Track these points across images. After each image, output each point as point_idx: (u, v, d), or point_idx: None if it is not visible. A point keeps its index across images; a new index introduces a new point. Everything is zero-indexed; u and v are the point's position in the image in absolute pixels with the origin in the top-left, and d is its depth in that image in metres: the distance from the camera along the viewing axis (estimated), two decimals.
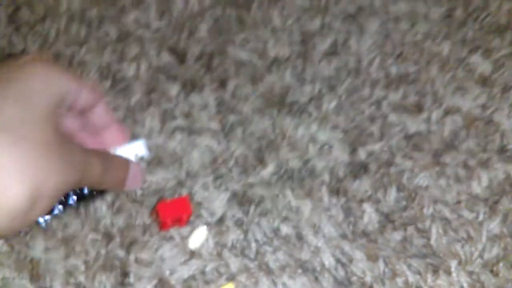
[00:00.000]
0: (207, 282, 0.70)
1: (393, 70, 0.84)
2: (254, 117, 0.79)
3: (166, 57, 0.83)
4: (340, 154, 0.78)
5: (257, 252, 0.72)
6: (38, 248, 0.70)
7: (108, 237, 0.71)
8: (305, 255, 0.73)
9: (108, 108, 0.66)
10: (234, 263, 0.72)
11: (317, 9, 0.88)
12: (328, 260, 0.73)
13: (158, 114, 0.79)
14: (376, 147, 0.79)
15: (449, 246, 0.74)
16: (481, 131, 0.81)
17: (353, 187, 0.76)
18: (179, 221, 0.71)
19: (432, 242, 0.74)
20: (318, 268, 0.72)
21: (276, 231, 0.73)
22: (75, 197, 0.70)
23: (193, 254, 0.71)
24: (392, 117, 0.81)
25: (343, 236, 0.74)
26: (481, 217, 0.76)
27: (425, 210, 0.76)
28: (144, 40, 0.84)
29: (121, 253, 0.71)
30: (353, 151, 0.79)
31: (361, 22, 0.87)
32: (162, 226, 0.71)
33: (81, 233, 0.71)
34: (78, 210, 0.70)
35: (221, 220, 0.73)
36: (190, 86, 0.81)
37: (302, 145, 0.78)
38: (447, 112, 0.82)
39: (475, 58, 0.86)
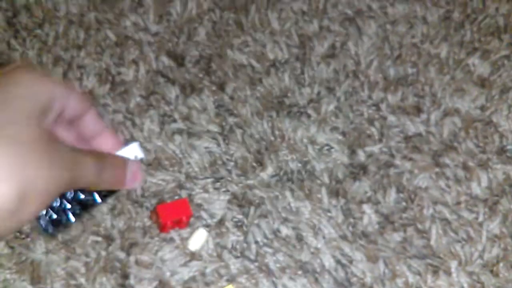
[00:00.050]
0: (207, 284, 0.70)
1: (392, 72, 0.84)
2: (253, 119, 0.79)
3: (165, 61, 0.83)
4: (340, 156, 0.78)
5: (257, 254, 0.72)
6: (38, 250, 0.70)
7: (108, 239, 0.71)
8: (305, 256, 0.73)
9: (99, 115, 0.66)
10: (234, 265, 0.72)
11: (315, 12, 0.88)
12: (328, 261, 0.73)
13: (157, 117, 0.79)
14: (376, 148, 0.79)
15: (449, 247, 0.74)
16: (480, 132, 0.81)
17: (353, 189, 0.76)
18: (179, 223, 0.71)
19: (432, 242, 0.74)
20: (318, 269, 0.72)
21: (276, 232, 0.73)
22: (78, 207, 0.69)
23: (193, 255, 0.71)
24: (391, 119, 0.81)
25: (343, 237, 0.74)
26: (481, 218, 0.76)
27: (425, 211, 0.76)
28: (142, 43, 0.84)
29: (121, 255, 0.71)
30: (353, 152, 0.79)
31: (359, 24, 0.87)
32: (162, 228, 0.71)
33: (81, 235, 0.71)
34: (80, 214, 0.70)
35: (221, 222, 0.73)
36: (189, 89, 0.81)
37: (301, 147, 0.78)
38: (446, 114, 0.82)
39: (474, 60, 0.86)
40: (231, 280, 0.71)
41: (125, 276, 0.70)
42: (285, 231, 0.74)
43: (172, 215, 0.70)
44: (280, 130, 0.79)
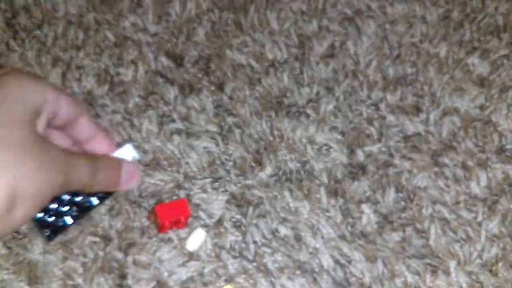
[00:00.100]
0: (205, 284, 0.70)
1: (391, 71, 0.84)
2: (252, 119, 0.79)
3: (164, 61, 0.83)
4: (338, 156, 0.78)
5: (256, 254, 0.72)
6: (36, 250, 0.70)
7: (106, 239, 0.71)
8: (303, 256, 0.72)
9: (92, 119, 0.66)
10: (233, 265, 0.71)
11: (314, 12, 0.88)
12: (326, 261, 0.72)
13: (156, 117, 0.79)
14: (375, 148, 0.79)
15: (448, 247, 0.74)
16: (479, 131, 0.81)
17: (352, 188, 0.76)
18: (177, 223, 0.71)
19: (431, 242, 0.74)
20: (317, 269, 0.72)
21: (274, 232, 0.73)
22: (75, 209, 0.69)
23: (191, 255, 0.71)
24: (390, 119, 0.81)
25: (342, 237, 0.74)
26: (480, 217, 0.76)
27: (424, 211, 0.76)
28: (141, 44, 0.84)
29: (119, 255, 0.71)
30: (351, 152, 0.79)
31: (358, 24, 0.87)
32: (160, 228, 0.71)
33: (79, 236, 0.71)
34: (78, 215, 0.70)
35: (219, 222, 0.73)
36: (188, 89, 0.81)
37: (300, 147, 0.78)
38: (445, 113, 0.82)
39: (473, 59, 0.86)
40: (229, 280, 0.71)
41: (123, 277, 0.70)
42: (283, 231, 0.73)
43: (170, 215, 0.70)
44: (279, 130, 0.79)
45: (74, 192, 0.66)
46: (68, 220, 0.68)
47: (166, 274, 0.70)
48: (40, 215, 0.67)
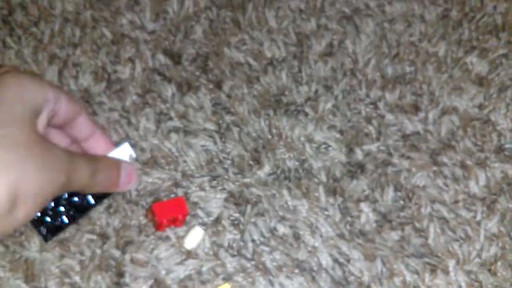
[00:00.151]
0: (203, 282, 0.70)
1: (390, 70, 0.84)
2: (250, 117, 0.79)
3: (161, 59, 0.82)
4: (337, 154, 0.78)
5: (254, 252, 0.72)
6: (33, 248, 0.70)
7: (103, 237, 0.71)
8: (302, 255, 0.72)
9: (90, 117, 0.66)
10: (231, 263, 0.71)
11: (313, 11, 0.87)
12: (325, 260, 0.72)
13: (153, 115, 0.78)
14: (373, 147, 0.79)
15: (447, 246, 0.74)
16: (478, 130, 0.81)
17: (350, 187, 0.76)
18: (175, 221, 0.71)
19: (430, 241, 0.74)
20: (315, 268, 0.72)
21: (273, 231, 0.73)
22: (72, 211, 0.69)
23: (189, 254, 0.71)
24: (389, 117, 0.80)
25: (341, 236, 0.73)
26: (479, 217, 0.76)
27: (422, 210, 0.75)
28: (139, 41, 0.83)
29: (116, 253, 0.70)
30: (350, 151, 0.78)
31: (357, 23, 0.87)
32: (158, 226, 0.70)
33: (76, 234, 0.71)
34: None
35: (217, 220, 0.73)
36: (186, 87, 0.80)
37: (298, 145, 0.78)
38: (444, 112, 0.81)
39: (472, 58, 0.86)
40: (227, 278, 0.70)
41: (120, 275, 0.69)
42: (282, 229, 0.73)
43: (168, 214, 0.69)
44: (277, 128, 0.79)
45: (72, 192, 0.65)
46: (66, 220, 0.67)
47: (163, 272, 0.70)
48: (38, 214, 0.66)
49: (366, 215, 0.75)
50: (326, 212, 0.74)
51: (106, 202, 0.72)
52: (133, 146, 0.71)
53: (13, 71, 0.56)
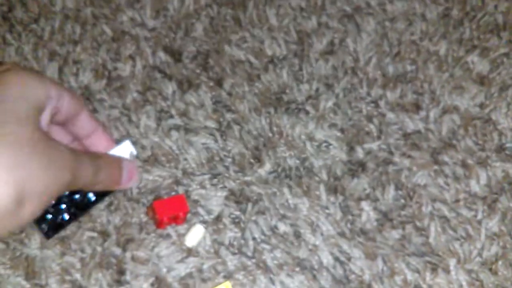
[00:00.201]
0: (204, 280, 0.70)
1: (391, 69, 0.84)
2: (251, 115, 0.79)
3: (162, 56, 0.82)
4: (338, 153, 0.78)
5: (255, 250, 0.72)
6: (33, 245, 0.69)
7: (104, 234, 0.71)
8: (303, 253, 0.72)
9: (91, 114, 0.65)
10: (232, 261, 0.71)
11: (314, 9, 0.87)
12: (326, 258, 0.72)
13: (154, 113, 0.78)
14: (374, 145, 0.78)
15: (447, 245, 0.74)
16: (479, 129, 0.81)
17: (351, 186, 0.76)
18: (175, 219, 0.71)
19: (431, 240, 0.74)
20: (316, 266, 0.72)
21: (273, 229, 0.73)
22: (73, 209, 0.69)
23: (190, 252, 0.71)
24: (390, 116, 0.80)
25: (341, 235, 0.73)
26: (479, 216, 0.76)
27: (423, 209, 0.75)
28: (139, 39, 0.83)
29: (117, 250, 0.70)
30: (351, 149, 0.78)
31: (358, 21, 0.87)
32: (159, 224, 0.70)
33: (77, 231, 0.70)
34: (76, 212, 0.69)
35: (218, 218, 0.73)
36: (186, 85, 0.80)
37: (299, 144, 0.78)
38: (445, 111, 0.81)
39: (473, 58, 0.86)
40: (228, 276, 0.70)
41: (121, 272, 0.69)
42: (282, 227, 0.73)
43: (168, 211, 0.69)
44: (278, 126, 0.78)
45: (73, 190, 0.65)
46: (67, 217, 0.67)
47: (164, 270, 0.70)
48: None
49: (367, 214, 0.74)
50: (327, 211, 0.74)
51: (107, 199, 0.72)
52: (133, 143, 0.71)
53: (15, 68, 0.56)
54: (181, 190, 0.74)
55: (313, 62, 0.83)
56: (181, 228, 0.72)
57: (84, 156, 0.59)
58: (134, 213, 0.72)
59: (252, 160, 0.76)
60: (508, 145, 0.80)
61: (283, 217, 0.73)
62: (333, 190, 0.75)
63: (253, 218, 0.73)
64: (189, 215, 0.72)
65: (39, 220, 0.66)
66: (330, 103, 0.80)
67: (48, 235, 0.67)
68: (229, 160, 0.76)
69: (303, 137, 0.78)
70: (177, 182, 0.74)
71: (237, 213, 0.73)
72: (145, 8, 0.85)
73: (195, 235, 0.71)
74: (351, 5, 0.88)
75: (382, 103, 0.81)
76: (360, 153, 0.78)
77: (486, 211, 0.76)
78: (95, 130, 0.66)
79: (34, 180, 0.51)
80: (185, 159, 0.76)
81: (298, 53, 0.84)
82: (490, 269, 0.73)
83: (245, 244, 0.72)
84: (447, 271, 0.72)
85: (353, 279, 0.71)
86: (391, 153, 0.78)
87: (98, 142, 0.67)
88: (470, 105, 0.82)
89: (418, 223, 0.74)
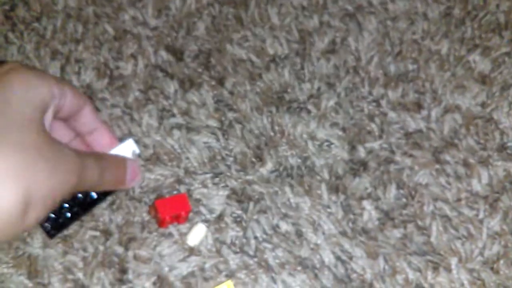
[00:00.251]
0: (206, 279, 0.70)
1: (392, 68, 0.84)
2: (253, 114, 0.79)
3: (164, 55, 0.82)
4: (340, 152, 0.78)
5: (257, 249, 0.72)
6: (36, 244, 0.70)
7: (106, 233, 0.71)
8: (304, 252, 0.72)
9: (94, 111, 0.65)
10: (233, 260, 0.71)
11: (315, 8, 0.87)
12: (328, 257, 0.72)
13: (156, 112, 0.78)
14: (376, 144, 0.79)
15: (449, 244, 0.74)
16: (480, 129, 0.81)
17: (353, 185, 0.76)
18: (177, 218, 0.71)
19: (432, 239, 0.74)
20: (318, 265, 0.72)
21: (275, 228, 0.73)
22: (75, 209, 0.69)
23: (192, 251, 0.71)
24: (392, 115, 0.80)
25: (343, 234, 0.73)
26: (481, 215, 0.76)
27: (425, 208, 0.75)
28: (141, 38, 0.83)
29: (119, 249, 0.70)
30: (353, 148, 0.78)
31: (359, 20, 0.87)
32: (161, 223, 0.70)
33: (79, 230, 0.71)
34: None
35: (220, 217, 0.73)
36: (188, 84, 0.80)
37: (301, 143, 0.78)
38: (446, 110, 0.81)
39: (474, 57, 0.86)
40: (230, 275, 0.70)
41: (123, 271, 0.69)
42: (284, 226, 0.73)
43: (170, 210, 0.69)
44: (280, 125, 0.78)
45: None
46: (69, 216, 0.67)
47: (166, 269, 0.70)
48: None
49: (369, 213, 0.75)
50: (328, 210, 0.74)
51: (109, 198, 0.72)
52: (136, 142, 0.71)
53: (18, 68, 0.55)
54: (183, 189, 0.74)
55: (314, 61, 0.83)
56: (183, 227, 0.72)
57: (89, 158, 0.59)
58: (136, 212, 0.72)
59: (254, 159, 0.76)
60: (509, 144, 0.80)
61: (284, 216, 0.74)
62: (334, 189, 0.75)
63: (255, 217, 0.73)
64: (191, 214, 0.72)
65: (42, 219, 0.66)
66: (331, 102, 0.80)
67: (50, 234, 0.67)
68: (231, 159, 0.76)
69: (304, 136, 0.78)
70: (179, 181, 0.74)
71: (239, 212, 0.73)
72: (147, 7, 0.85)
73: (197, 234, 0.71)
74: (352, 4, 0.88)
75: (383, 102, 0.81)
76: (361, 152, 0.78)
77: (488, 210, 0.76)
78: (98, 127, 0.66)
79: (39, 185, 0.51)
80: (187, 158, 0.76)
81: (299, 52, 0.84)
82: (492, 268, 0.73)
83: (247, 243, 0.72)
84: (448, 270, 0.72)
85: (354, 278, 0.71)
86: (392, 152, 0.78)
87: (100, 139, 0.67)
88: (472, 104, 0.82)
89: (419, 222, 0.74)
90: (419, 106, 0.81)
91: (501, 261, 0.73)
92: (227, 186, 0.75)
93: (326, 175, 0.76)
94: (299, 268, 0.71)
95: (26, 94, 0.53)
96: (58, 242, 0.70)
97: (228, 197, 0.74)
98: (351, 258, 0.72)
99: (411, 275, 0.72)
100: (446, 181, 0.77)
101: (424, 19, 0.88)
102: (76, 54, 0.81)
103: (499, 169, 0.78)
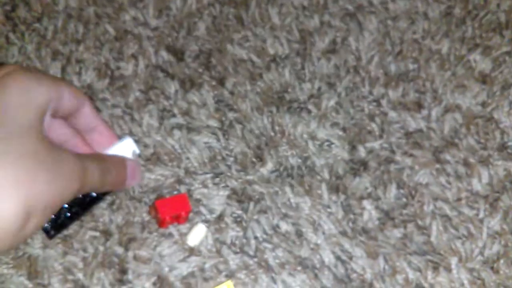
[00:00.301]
0: (206, 279, 0.70)
1: (393, 67, 0.84)
2: (253, 114, 0.79)
3: (164, 55, 0.82)
4: (340, 152, 0.78)
5: (257, 249, 0.72)
6: (36, 245, 0.70)
7: (106, 234, 0.71)
8: (304, 252, 0.72)
9: (94, 109, 0.65)
10: (233, 260, 0.71)
11: (316, 8, 0.87)
12: (328, 257, 0.72)
13: (156, 112, 0.78)
14: (376, 144, 0.79)
15: (449, 243, 0.74)
16: (481, 128, 0.81)
17: (353, 185, 0.76)
18: (178, 218, 0.71)
19: (433, 239, 0.74)
20: (318, 265, 0.72)
21: (275, 228, 0.73)
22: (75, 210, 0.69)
23: (192, 251, 0.71)
24: (392, 115, 0.80)
25: (343, 233, 0.73)
26: (481, 214, 0.76)
27: (425, 207, 0.75)
28: (142, 38, 0.83)
29: (119, 250, 0.70)
30: (353, 148, 0.78)
31: (360, 20, 0.87)
32: (161, 223, 0.70)
33: (79, 230, 0.71)
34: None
35: (220, 217, 0.73)
36: (189, 84, 0.80)
37: (301, 143, 0.78)
38: (447, 110, 0.81)
39: (475, 56, 0.85)
40: (230, 275, 0.71)
41: (123, 271, 0.69)
42: (284, 226, 0.73)
43: (171, 210, 0.69)
44: (280, 125, 0.79)
45: None
46: (69, 216, 0.67)
47: (166, 269, 0.70)
48: None
49: (369, 213, 0.75)
50: (328, 210, 0.74)
51: (109, 198, 0.72)
52: (136, 142, 0.71)
53: (15, 72, 0.54)
54: (183, 189, 0.74)
55: (315, 61, 0.83)
56: (183, 227, 0.72)
57: (90, 161, 0.58)
58: (136, 212, 0.72)
59: (254, 159, 0.77)
60: (510, 143, 0.80)
61: (285, 216, 0.74)
62: (335, 189, 0.76)
63: (255, 217, 0.73)
64: (191, 214, 0.72)
65: (46, 223, 0.66)
66: (332, 102, 0.80)
67: (50, 234, 0.68)
68: (231, 159, 0.76)
69: (305, 136, 0.78)
70: (179, 181, 0.75)
71: (239, 212, 0.73)
72: (147, 7, 0.85)
73: (197, 234, 0.71)
74: (353, 4, 0.88)
75: (384, 102, 0.81)
76: (362, 152, 0.78)
77: (488, 209, 0.76)
78: (97, 126, 0.66)
79: (40, 195, 0.50)
80: (188, 158, 0.76)
81: (300, 52, 0.84)
82: (492, 268, 0.73)
83: (247, 243, 0.72)
84: (448, 270, 0.72)
85: (354, 278, 0.71)
86: (393, 152, 0.78)
87: (100, 137, 0.66)
88: (472, 103, 0.82)
89: (419, 222, 0.74)
90: (419, 106, 0.81)
91: (501, 261, 0.73)
92: (227, 186, 0.75)
93: (326, 175, 0.76)
94: (299, 268, 0.71)
95: (23, 101, 0.53)
96: (58, 243, 0.70)
97: (228, 197, 0.74)
98: (351, 258, 0.72)
99: (411, 275, 0.72)
100: (446, 180, 0.77)
101: (425, 19, 0.88)
102: (77, 55, 0.81)
103: (500, 168, 0.78)
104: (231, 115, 0.79)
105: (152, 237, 0.71)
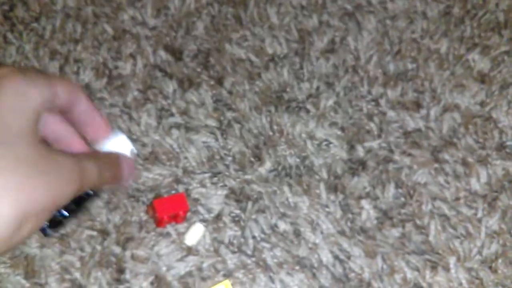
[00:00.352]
0: (203, 279, 0.70)
1: (391, 67, 0.84)
2: (252, 114, 0.79)
3: (163, 55, 0.82)
4: (338, 151, 0.78)
5: (255, 249, 0.72)
6: (33, 244, 0.70)
7: (104, 233, 0.71)
8: (302, 251, 0.72)
9: (89, 101, 0.64)
10: (231, 260, 0.71)
11: (315, 7, 0.87)
12: (326, 256, 0.72)
13: (154, 111, 0.78)
14: (375, 144, 0.78)
15: (447, 243, 0.74)
16: (479, 128, 0.81)
17: (351, 184, 0.76)
18: (175, 218, 0.71)
19: (431, 238, 0.74)
20: (316, 265, 0.72)
21: (273, 227, 0.73)
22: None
23: (190, 250, 0.71)
24: (391, 114, 0.80)
25: (341, 233, 0.73)
26: (480, 214, 0.76)
27: (423, 207, 0.75)
28: (140, 37, 0.83)
29: (117, 249, 0.70)
30: (351, 148, 0.78)
31: (358, 19, 0.87)
32: (159, 222, 0.70)
33: (76, 230, 0.71)
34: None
35: (218, 217, 0.73)
36: (187, 84, 0.80)
37: (300, 142, 0.78)
38: (445, 109, 0.81)
39: (474, 56, 0.85)
40: (228, 275, 0.70)
41: (121, 271, 0.69)
42: (282, 226, 0.73)
43: (169, 210, 0.69)
44: (279, 125, 0.78)
45: None
46: (66, 213, 0.67)
47: (164, 268, 0.70)
48: None
49: (367, 212, 0.74)
50: (327, 209, 0.74)
51: (106, 197, 0.72)
52: (134, 141, 0.71)
53: (10, 74, 0.54)
54: (181, 188, 0.74)
55: (313, 61, 0.83)
56: (181, 226, 0.72)
57: (88, 160, 0.58)
58: (134, 211, 0.72)
59: (252, 159, 0.76)
60: (508, 143, 0.80)
61: (283, 216, 0.74)
62: (333, 188, 0.75)
63: (253, 216, 0.73)
64: (189, 214, 0.72)
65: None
66: (330, 102, 0.80)
67: (46, 232, 0.67)
68: (230, 158, 0.76)
69: (303, 135, 0.78)
70: (178, 181, 0.74)
71: (237, 211, 0.73)
72: (146, 7, 0.85)
73: (195, 233, 0.71)
74: (352, 3, 0.88)
75: (382, 101, 0.81)
76: (360, 151, 0.78)
77: (486, 209, 0.76)
78: (92, 119, 0.65)
79: (35, 201, 0.50)
80: (186, 158, 0.76)
81: (299, 51, 0.84)
82: (490, 267, 0.73)
83: (245, 242, 0.72)
84: (447, 269, 0.72)
85: (352, 277, 0.71)
86: (391, 151, 0.78)
87: (95, 131, 0.66)
88: (471, 103, 0.82)
89: (418, 221, 0.74)
90: (418, 105, 0.81)
91: (500, 260, 0.73)
92: (225, 185, 0.75)
93: (324, 175, 0.76)
94: (297, 267, 0.71)
95: (19, 105, 0.52)
96: (55, 242, 0.70)
97: (226, 196, 0.74)
98: (349, 257, 0.72)
99: (409, 274, 0.72)
100: (444, 180, 0.77)
101: (424, 18, 0.88)
102: (75, 54, 0.81)
103: (498, 168, 0.78)
104: (229, 114, 0.79)
105: (149, 237, 0.71)
